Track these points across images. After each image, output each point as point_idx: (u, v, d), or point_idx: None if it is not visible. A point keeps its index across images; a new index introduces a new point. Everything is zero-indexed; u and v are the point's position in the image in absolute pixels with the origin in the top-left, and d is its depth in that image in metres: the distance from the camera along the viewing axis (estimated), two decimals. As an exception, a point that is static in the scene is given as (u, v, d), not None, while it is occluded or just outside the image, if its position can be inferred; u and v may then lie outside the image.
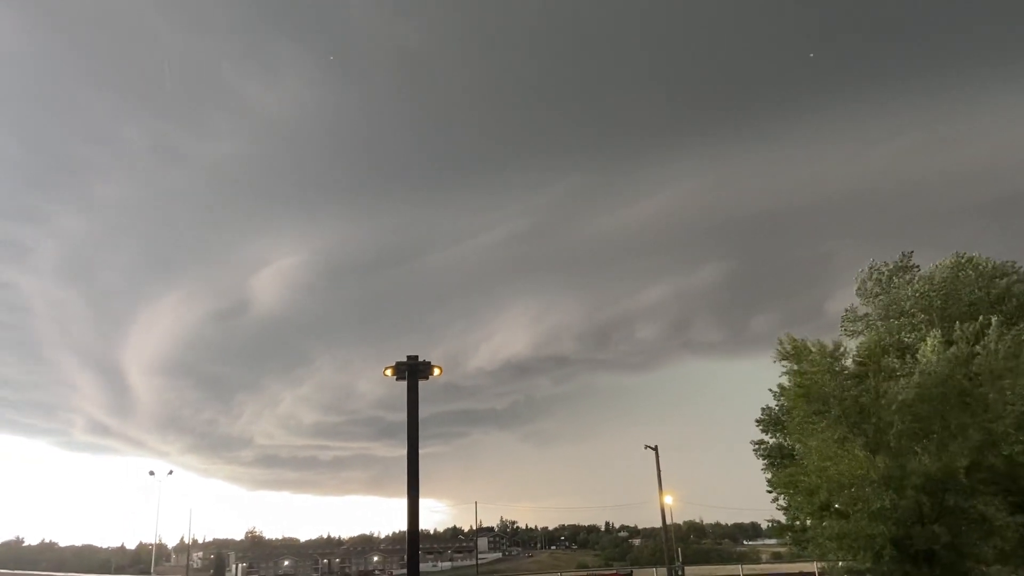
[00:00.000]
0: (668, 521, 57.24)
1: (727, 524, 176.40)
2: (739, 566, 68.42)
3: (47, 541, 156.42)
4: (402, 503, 15.38)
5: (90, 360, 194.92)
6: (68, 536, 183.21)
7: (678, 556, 58.28)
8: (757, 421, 33.09)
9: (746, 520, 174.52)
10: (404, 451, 16.09)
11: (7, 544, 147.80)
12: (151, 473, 76.90)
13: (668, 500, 56.09)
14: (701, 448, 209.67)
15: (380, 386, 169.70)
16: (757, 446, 33.28)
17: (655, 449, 54.03)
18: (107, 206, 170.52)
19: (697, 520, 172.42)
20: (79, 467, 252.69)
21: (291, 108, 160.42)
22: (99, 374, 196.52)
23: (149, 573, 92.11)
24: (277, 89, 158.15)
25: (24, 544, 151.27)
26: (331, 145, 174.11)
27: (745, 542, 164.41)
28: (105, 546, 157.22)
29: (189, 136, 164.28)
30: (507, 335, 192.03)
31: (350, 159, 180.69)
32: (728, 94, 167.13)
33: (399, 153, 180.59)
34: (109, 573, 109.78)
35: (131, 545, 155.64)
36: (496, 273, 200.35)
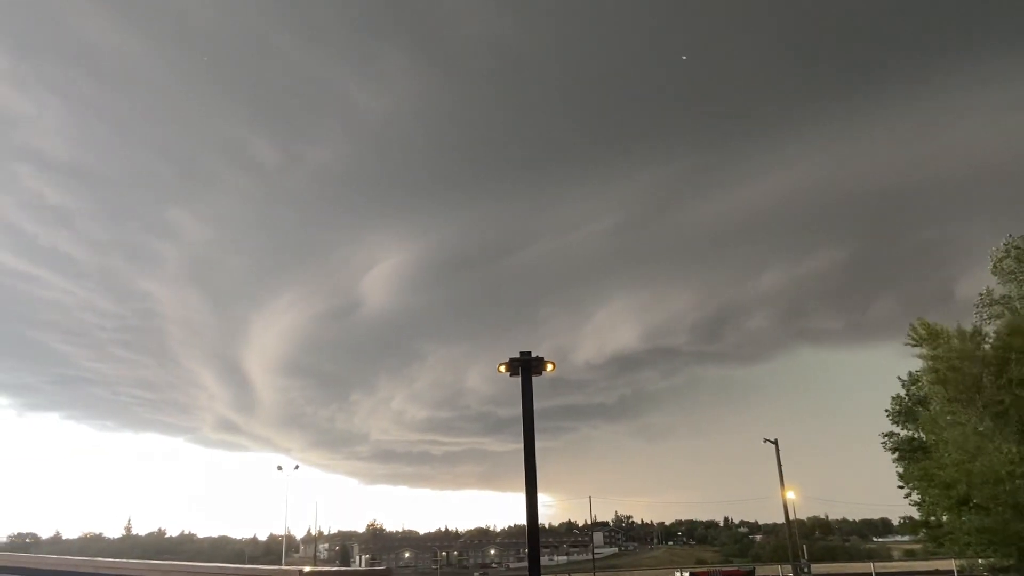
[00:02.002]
0: (791, 517, 55.33)
1: (854, 520, 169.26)
2: (870, 564, 65.29)
3: (186, 532, 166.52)
4: (516, 497, 15.54)
5: (217, 361, 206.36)
6: (205, 528, 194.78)
7: (803, 553, 56.22)
8: (887, 412, 31.59)
9: (875, 516, 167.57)
10: (514, 446, 16.22)
11: (151, 535, 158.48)
12: (279, 468, 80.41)
13: (790, 495, 54.21)
14: (822, 441, 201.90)
15: (489, 382, 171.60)
16: (886, 438, 31.77)
17: (775, 443, 52.35)
18: (227, 213, 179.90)
19: (822, 516, 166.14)
20: (212, 462, 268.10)
21: (395, 109, 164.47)
22: (225, 374, 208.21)
23: (280, 564, 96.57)
24: (381, 91, 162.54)
25: (166, 536, 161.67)
26: (435, 144, 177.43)
27: (875, 539, 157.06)
28: (239, 537, 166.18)
29: (302, 141, 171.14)
30: (614, 328, 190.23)
31: (454, 156, 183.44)
32: (843, 68, 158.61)
33: (502, 147, 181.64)
34: (243, 563, 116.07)
35: (262, 536, 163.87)
36: (602, 264, 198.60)
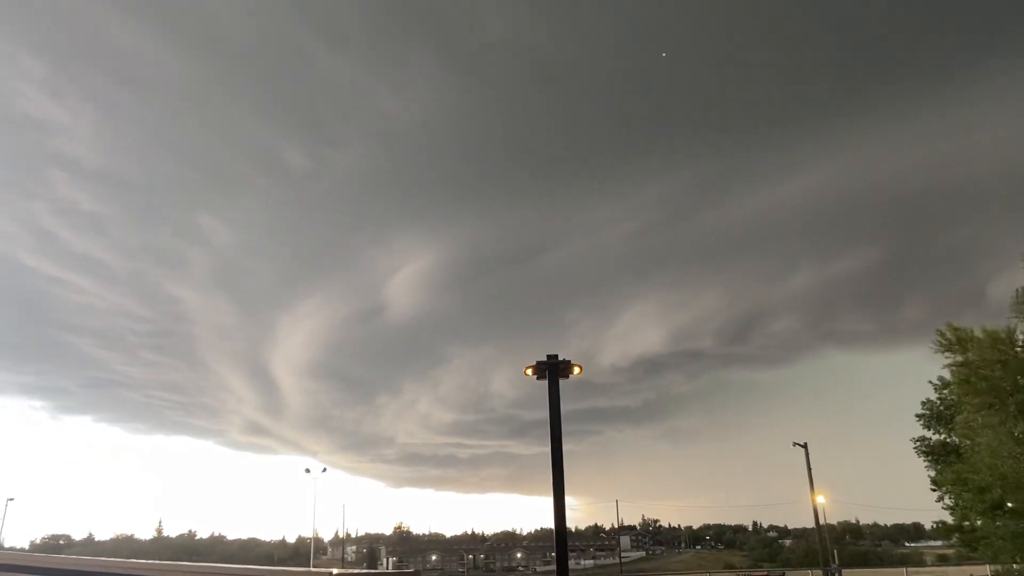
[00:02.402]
0: (821, 521, 54.73)
1: (886, 525, 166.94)
2: (902, 569, 64.43)
3: (216, 534, 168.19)
4: (542, 500, 15.60)
5: (244, 364, 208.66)
6: (234, 530, 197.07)
7: (834, 558, 55.60)
8: (917, 416, 31.24)
9: (907, 520, 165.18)
10: (539, 449, 16.32)
11: (181, 537, 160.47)
12: (307, 471, 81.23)
13: (820, 499, 53.63)
14: (851, 445, 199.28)
15: (514, 385, 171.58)
16: (917, 443, 31.42)
17: (804, 446, 51.87)
18: (255, 218, 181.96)
19: (852, 520, 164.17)
20: (241, 465, 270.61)
21: (421, 113, 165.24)
22: (253, 377, 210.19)
23: (309, 566, 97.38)
24: (407, 96, 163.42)
25: (196, 537, 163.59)
26: (460, 147, 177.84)
27: (907, 544, 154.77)
28: (268, 539, 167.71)
29: (329, 146, 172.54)
30: (639, 330, 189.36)
31: (479, 160, 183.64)
32: (873, 65, 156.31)
33: (527, 150, 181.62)
34: (272, 565, 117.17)
35: (291, 539, 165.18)
36: (627, 266, 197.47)
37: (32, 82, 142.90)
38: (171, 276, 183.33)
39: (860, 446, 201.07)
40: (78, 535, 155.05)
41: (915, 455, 31.56)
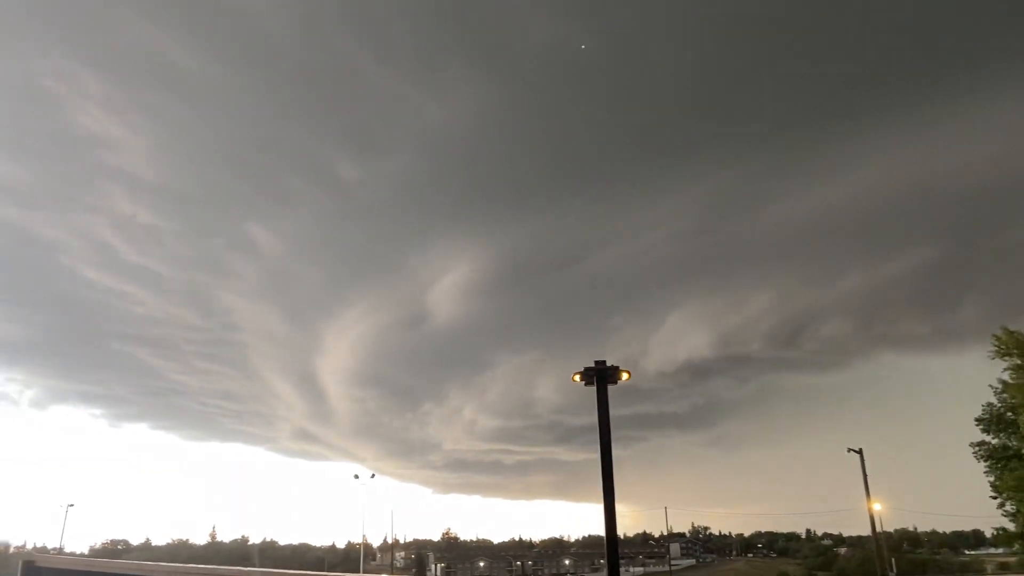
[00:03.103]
0: (878, 528, 53.51)
1: (944, 532, 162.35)
2: (962, 578, 62.58)
3: (268, 540, 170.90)
4: (589, 507, 15.63)
5: (292, 372, 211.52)
6: (286, 535, 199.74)
7: (891, 567, 54.27)
8: (977, 420, 30.43)
9: (966, 527, 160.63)
10: (585, 455, 16.38)
11: (235, 542, 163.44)
12: (355, 477, 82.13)
13: (877, 506, 52.44)
14: (908, 450, 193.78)
15: (559, 390, 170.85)
16: (978, 447, 30.60)
17: (859, 452, 50.82)
18: (301, 227, 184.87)
19: (910, 528, 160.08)
20: (292, 471, 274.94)
21: (463, 120, 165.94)
22: (301, 384, 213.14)
23: (359, 572, 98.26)
24: (449, 103, 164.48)
25: (249, 543, 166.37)
26: (502, 153, 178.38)
27: (967, 551, 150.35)
28: (318, 545, 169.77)
29: (373, 155, 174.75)
30: (685, 335, 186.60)
31: (521, 165, 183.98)
32: (926, 60, 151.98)
33: (571, 154, 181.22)
34: (323, 571, 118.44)
35: (341, 544, 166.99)
36: (673, 269, 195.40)
37: (91, 98, 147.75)
38: (224, 286, 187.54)
39: (917, 451, 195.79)
40: (136, 540, 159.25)
41: (975, 460, 30.76)
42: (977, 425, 30.23)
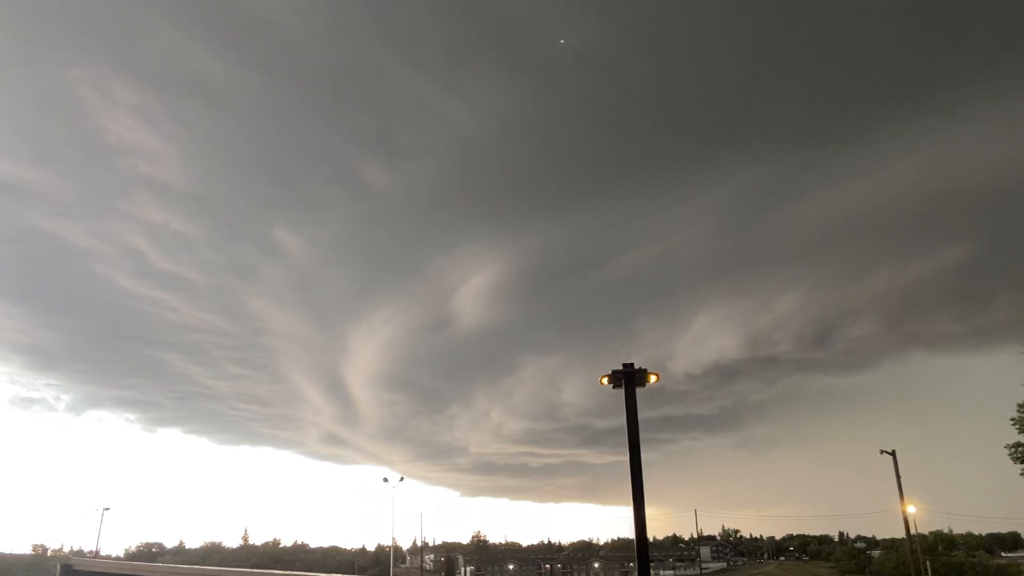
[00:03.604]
0: (912, 531, 52.71)
1: (980, 534, 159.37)
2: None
3: (299, 542, 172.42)
4: (618, 511, 15.55)
5: (321, 377, 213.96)
6: (317, 538, 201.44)
7: (926, 569, 53.40)
8: (1013, 420, 29.93)
9: (1003, 529, 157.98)
10: (613, 457, 16.38)
11: (266, 545, 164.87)
12: (384, 480, 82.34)
13: (911, 509, 51.66)
14: (941, 452, 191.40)
15: (585, 393, 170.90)
16: (1014, 448, 30.09)
17: (892, 454, 50.09)
18: (328, 232, 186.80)
19: (945, 530, 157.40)
20: (321, 475, 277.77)
21: (488, 123, 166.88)
22: (328, 389, 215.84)
23: (390, 574, 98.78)
24: (474, 107, 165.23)
25: (280, 545, 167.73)
26: (528, 156, 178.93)
27: (1004, 554, 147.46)
28: (348, 547, 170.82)
29: (399, 159, 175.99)
30: (713, 336, 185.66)
31: (547, 167, 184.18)
32: (956, 56, 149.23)
33: (596, 155, 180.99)
34: (354, 573, 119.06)
35: (370, 547, 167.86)
36: (699, 270, 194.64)
37: (124, 108, 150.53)
38: (253, 291, 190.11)
39: (951, 453, 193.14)
40: (170, 543, 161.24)
41: (1010, 461, 30.25)
42: (1013, 426, 29.74)
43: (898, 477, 49.37)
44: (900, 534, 52.13)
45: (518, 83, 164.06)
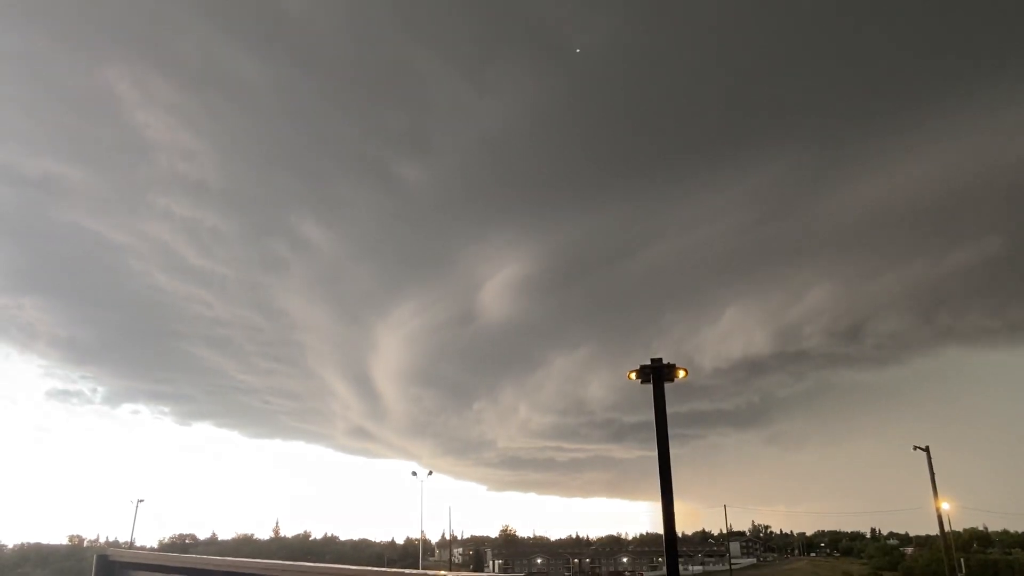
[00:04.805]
0: (946, 528, 51.91)
1: (1016, 532, 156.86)
2: (1037, 581, 60.10)
3: (329, 535, 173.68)
4: (646, 506, 15.53)
5: (348, 370, 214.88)
6: (346, 531, 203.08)
7: (960, 567, 52.56)
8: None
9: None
10: (640, 453, 16.35)
11: (297, 537, 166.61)
12: (413, 474, 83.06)
13: (945, 506, 50.90)
14: (975, 448, 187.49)
15: (613, 388, 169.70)
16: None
17: (926, 450, 49.37)
18: (356, 226, 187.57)
19: (980, 527, 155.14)
20: (350, 468, 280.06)
21: (516, 114, 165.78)
22: (356, 383, 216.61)
23: (418, 568, 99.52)
24: (502, 97, 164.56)
25: (311, 538, 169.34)
26: (556, 147, 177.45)
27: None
28: (378, 540, 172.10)
29: (426, 152, 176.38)
30: (742, 330, 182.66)
31: (575, 159, 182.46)
32: (1001, 34, 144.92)
33: (623, 148, 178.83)
34: (383, 566, 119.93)
35: (400, 540, 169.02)
36: (729, 264, 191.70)
37: (160, 104, 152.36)
38: (283, 287, 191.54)
39: (986, 449, 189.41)
40: (202, 534, 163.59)
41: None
42: (1052, 422, 29.06)
43: (932, 473, 48.65)
44: (934, 531, 51.37)
45: (546, 77, 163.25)
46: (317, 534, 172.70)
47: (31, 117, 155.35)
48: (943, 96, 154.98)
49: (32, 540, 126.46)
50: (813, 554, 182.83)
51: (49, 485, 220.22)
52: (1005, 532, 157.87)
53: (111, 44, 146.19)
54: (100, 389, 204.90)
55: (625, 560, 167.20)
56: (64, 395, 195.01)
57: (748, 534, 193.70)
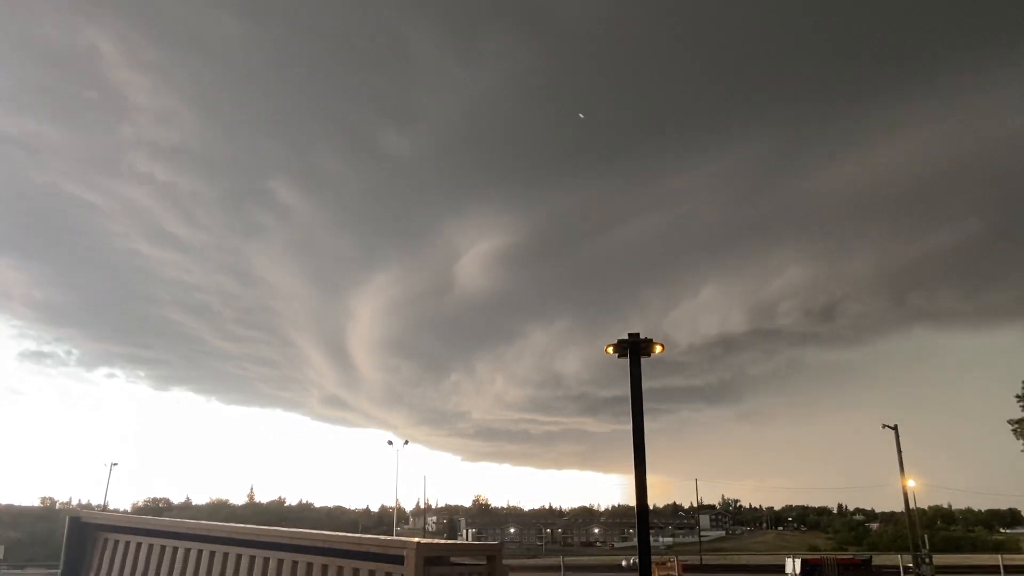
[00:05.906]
0: (911, 505, 53.06)
1: (980, 510, 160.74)
2: (997, 556, 61.64)
3: (304, 502, 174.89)
4: (618, 478, 15.65)
5: (324, 339, 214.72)
6: (321, 498, 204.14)
7: (924, 543, 53.78)
8: (1018, 397, 29.96)
9: (1002, 506, 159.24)
10: (613, 426, 16.47)
11: (272, 503, 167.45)
12: (389, 443, 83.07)
13: (911, 483, 51.94)
14: (942, 427, 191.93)
15: (588, 363, 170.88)
16: (1017, 425, 30.17)
17: (894, 428, 50.23)
18: (335, 195, 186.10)
19: (944, 505, 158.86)
20: (326, 436, 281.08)
21: (496, 85, 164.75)
22: (330, 352, 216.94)
23: (392, 534, 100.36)
24: (482, 68, 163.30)
25: (285, 504, 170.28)
26: (535, 120, 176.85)
27: (1002, 530, 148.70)
28: (352, 508, 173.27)
29: (406, 122, 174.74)
30: (716, 307, 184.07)
31: (554, 134, 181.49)
32: (979, 21, 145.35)
33: (603, 123, 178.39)
34: (358, 532, 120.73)
35: (374, 508, 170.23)
36: (705, 240, 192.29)
37: (139, 66, 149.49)
38: (261, 253, 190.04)
39: (952, 428, 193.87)
40: (177, 499, 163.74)
41: (1012, 438, 30.33)
42: (1018, 403, 29.78)
43: (899, 451, 49.57)
44: (899, 508, 52.52)
45: (528, 51, 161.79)
46: (292, 501, 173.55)
47: (8, 72, 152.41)
48: (923, 79, 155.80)
49: (3, 502, 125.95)
50: (781, 528, 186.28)
51: (21, 447, 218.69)
52: (968, 510, 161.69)
53: (90, 2, 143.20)
54: (75, 352, 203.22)
55: (597, 531, 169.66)
56: (38, 356, 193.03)
57: (718, 507, 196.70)
